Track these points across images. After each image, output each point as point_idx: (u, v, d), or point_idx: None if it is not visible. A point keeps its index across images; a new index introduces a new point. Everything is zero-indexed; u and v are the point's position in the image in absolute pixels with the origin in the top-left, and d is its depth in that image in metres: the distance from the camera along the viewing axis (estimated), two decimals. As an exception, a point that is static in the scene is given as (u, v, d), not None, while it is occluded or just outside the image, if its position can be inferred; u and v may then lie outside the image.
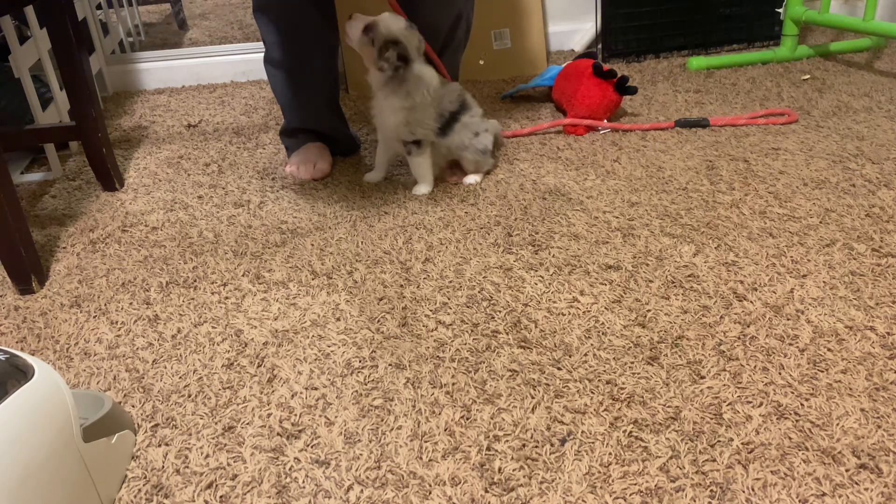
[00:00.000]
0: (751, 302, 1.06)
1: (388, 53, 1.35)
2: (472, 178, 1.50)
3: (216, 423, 0.89)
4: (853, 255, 1.16)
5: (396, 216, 1.38)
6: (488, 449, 0.83)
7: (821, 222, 1.26)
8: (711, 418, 0.85)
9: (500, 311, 1.07)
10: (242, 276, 1.21)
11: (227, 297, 1.15)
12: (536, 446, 0.83)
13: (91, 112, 1.50)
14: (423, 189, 1.47)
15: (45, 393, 0.71)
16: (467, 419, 0.87)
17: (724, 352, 0.96)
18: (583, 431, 0.85)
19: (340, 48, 2.14)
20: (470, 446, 0.83)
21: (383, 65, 1.36)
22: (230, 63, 2.35)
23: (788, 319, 1.02)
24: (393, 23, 1.36)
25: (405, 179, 1.54)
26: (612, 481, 0.78)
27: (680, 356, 0.96)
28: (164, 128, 1.96)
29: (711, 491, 0.76)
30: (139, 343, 1.06)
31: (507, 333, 1.02)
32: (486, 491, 0.78)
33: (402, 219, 1.37)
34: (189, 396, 0.94)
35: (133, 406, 0.93)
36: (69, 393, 0.73)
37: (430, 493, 0.78)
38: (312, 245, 1.29)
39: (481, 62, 2.19)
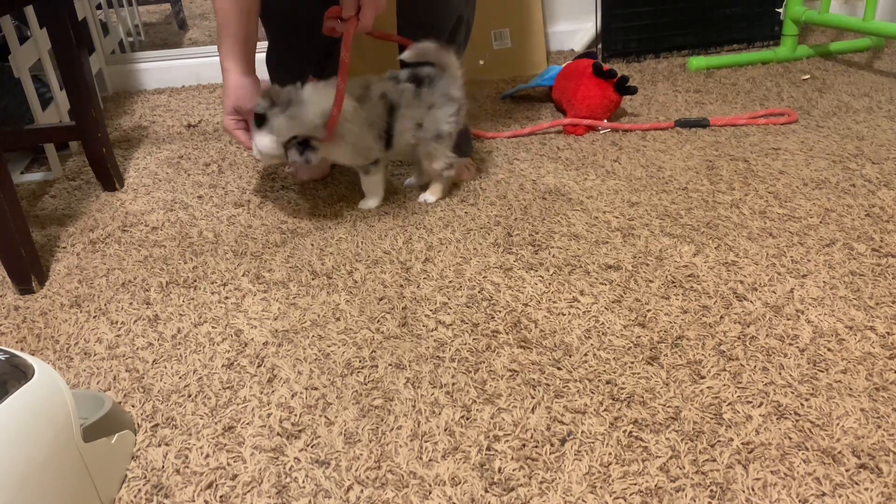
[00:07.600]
0: (751, 302, 1.06)
1: (290, 151, 1.25)
2: (427, 196, 1.42)
3: (216, 423, 0.89)
4: (853, 255, 1.16)
5: (396, 216, 1.38)
6: (488, 449, 0.83)
7: (821, 222, 1.26)
8: (711, 418, 0.85)
9: (500, 311, 1.07)
10: (242, 276, 1.21)
11: (227, 297, 1.15)
12: (536, 446, 0.83)
13: (91, 112, 1.50)
14: (371, 203, 1.41)
15: (45, 393, 0.71)
16: (467, 419, 0.87)
17: (724, 352, 0.96)
18: (583, 431, 0.85)
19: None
20: (470, 446, 0.83)
21: (309, 158, 1.25)
22: (230, 63, 2.34)
23: (788, 319, 1.02)
24: (265, 142, 1.25)
25: (405, 179, 1.54)
26: (612, 481, 0.78)
27: (680, 356, 0.96)
28: (164, 128, 1.96)
29: (711, 491, 0.76)
30: (139, 343, 1.06)
31: (507, 333, 1.02)
32: (486, 491, 0.78)
33: (402, 219, 1.37)
34: (189, 396, 0.94)
35: (133, 406, 0.93)
36: (69, 393, 0.73)
37: (430, 493, 0.78)
38: (312, 245, 1.29)
39: (481, 62, 2.19)
